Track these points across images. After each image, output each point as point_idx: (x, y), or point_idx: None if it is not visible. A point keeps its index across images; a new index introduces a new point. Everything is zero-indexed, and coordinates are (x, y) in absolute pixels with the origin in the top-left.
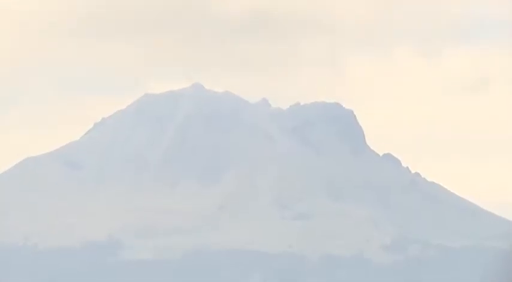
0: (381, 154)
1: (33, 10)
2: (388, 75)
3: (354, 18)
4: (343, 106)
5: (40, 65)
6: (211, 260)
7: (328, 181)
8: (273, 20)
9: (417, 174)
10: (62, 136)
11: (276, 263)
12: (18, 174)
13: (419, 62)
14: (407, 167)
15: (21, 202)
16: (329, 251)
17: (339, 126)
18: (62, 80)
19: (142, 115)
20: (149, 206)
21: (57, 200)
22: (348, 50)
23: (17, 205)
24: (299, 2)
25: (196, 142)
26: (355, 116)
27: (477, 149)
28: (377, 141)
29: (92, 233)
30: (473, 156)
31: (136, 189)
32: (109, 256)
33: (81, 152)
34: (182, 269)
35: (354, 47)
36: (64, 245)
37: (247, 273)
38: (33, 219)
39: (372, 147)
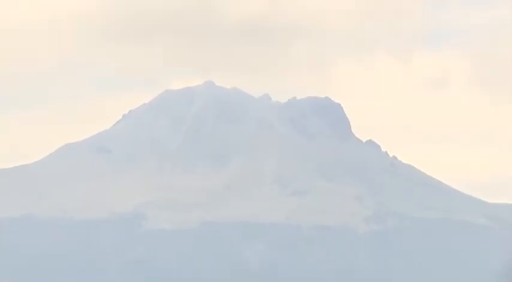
0: (364, 140)
1: (72, 19)
2: (369, 74)
3: (340, 26)
4: (332, 100)
5: (78, 65)
6: (221, 230)
7: (319, 163)
8: (272, 28)
9: (394, 157)
10: (95, 125)
11: (276, 232)
12: (59, 158)
13: (394, 63)
14: (386, 152)
15: (61, 181)
16: (320, 222)
17: (328, 117)
18: (96, 78)
19: (163, 108)
20: (169, 184)
21: (91, 179)
22: (335, 53)
23: (58, 184)
24: (292, 12)
25: (209, 131)
26: (342, 108)
27: (443, 135)
28: (361, 130)
29: (120, 207)
30: (441, 142)
31: (158, 170)
32: (135, 227)
33: (111, 138)
34: (197, 237)
35: (340, 50)
36: (96, 217)
37: (252, 240)
38: (71, 196)
39: (356, 135)
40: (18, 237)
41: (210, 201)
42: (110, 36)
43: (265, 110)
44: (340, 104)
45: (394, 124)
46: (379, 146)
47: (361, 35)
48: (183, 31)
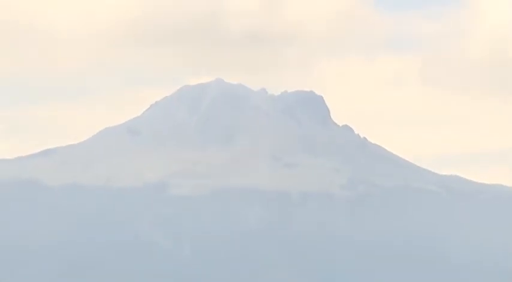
0: (340, 125)
1: (110, 28)
2: (344, 72)
3: (320, 34)
4: (315, 93)
5: (115, 64)
6: (228, 195)
7: (305, 143)
8: (267, 36)
9: (365, 138)
10: (128, 113)
11: (270, 197)
12: (100, 139)
13: (363, 63)
14: (358, 134)
15: (101, 157)
16: (305, 189)
17: (312, 106)
18: (129, 75)
19: (181, 99)
20: (187, 159)
21: (125, 155)
22: (317, 55)
23: (99, 159)
24: (282, 24)
25: (218, 117)
26: (323, 99)
27: (402, 120)
28: (338, 116)
29: (148, 177)
30: (400, 125)
31: (178, 148)
32: (161, 192)
33: (141, 123)
34: (210, 201)
35: (321, 53)
36: (130, 185)
37: (251, 204)
38: (109, 168)
39: (334, 121)
40: (68, 202)
41: (220, 172)
42: (140, 41)
43: (263, 101)
44: (322, 96)
45: (364, 112)
46: (353, 129)
47: (337, 41)
48: (197, 38)
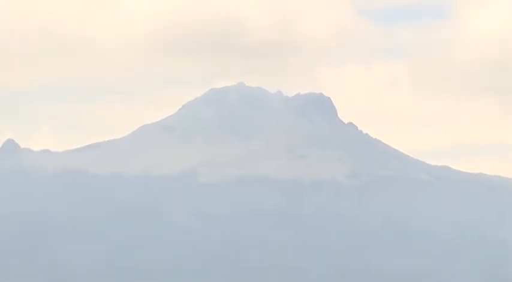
0: (346, 122)
1: (148, 38)
2: (348, 77)
3: (325, 44)
4: (324, 94)
5: (153, 69)
6: (249, 182)
7: (315, 138)
8: (279, 46)
9: (367, 134)
10: (164, 111)
11: (284, 185)
12: (139, 134)
13: (363, 69)
14: (361, 130)
15: (140, 149)
16: (315, 178)
17: (322, 106)
18: (165, 79)
19: (209, 100)
20: (214, 151)
21: (161, 148)
22: (325, 63)
23: (138, 151)
24: (293, 36)
25: (240, 115)
26: (331, 100)
27: (398, 118)
28: (343, 115)
29: (181, 166)
30: (397, 123)
31: (206, 142)
32: (192, 180)
33: (175, 121)
34: (234, 187)
35: (327, 60)
36: (165, 173)
37: (268, 189)
38: (147, 159)
39: (340, 118)
40: (111, 188)
41: (241, 162)
42: (173, 51)
43: (278, 101)
44: (330, 98)
45: (366, 111)
46: (356, 126)
47: (340, 50)
48: (223, 48)
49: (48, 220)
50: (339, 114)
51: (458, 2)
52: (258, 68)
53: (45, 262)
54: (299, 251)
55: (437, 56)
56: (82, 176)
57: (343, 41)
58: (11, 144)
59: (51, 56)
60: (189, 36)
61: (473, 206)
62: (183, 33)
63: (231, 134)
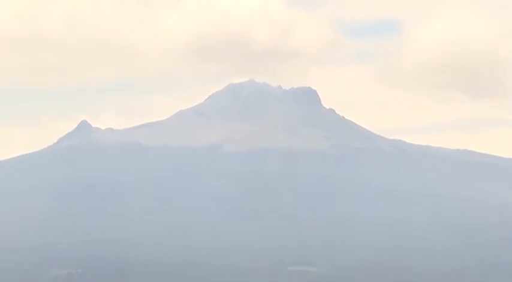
0: (327, 108)
1: (182, 46)
2: (329, 75)
3: (312, 51)
4: (312, 88)
5: (188, 71)
6: (258, 152)
7: (305, 120)
8: (279, 51)
9: (343, 117)
10: (195, 100)
11: (284, 153)
12: (176, 118)
13: (340, 70)
14: (339, 114)
15: (178, 128)
16: (305, 148)
17: (310, 97)
18: (196, 77)
19: (229, 92)
20: (233, 130)
21: (194, 127)
22: (313, 64)
23: (177, 130)
24: (289, 44)
25: (251, 103)
26: (317, 92)
27: (368, 105)
28: (326, 103)
29: (208, 142)
30: (367, 108)
31: (227, 124)
32: (216, 151)
33: (203, 107)
34: (248, 157)
35: (316, 62)
36: (197, 146)
37: (272, 157)
38: (184, 136)
39: (324, 105)
40: (157, 157)
41: (253, 138)
42: (199, 54)
43: (279, 93)
44: (315, 90)
45: (342, 100)
46: (335, 111)
47: (323, 56)
48: (238, 53)
49: (111, 181)
50: (322, 103)
51: (408, 19)
52: (264, 69)
53: (111, 210)
54: (294, 201)
55: (394, 60)
56: (136, 148)
57: (326, 49)
58: (84, 124)
59: (110, 59)
60: (212, 45)
61: (422, 169)
62: (208, 43)
63: (244, 117)
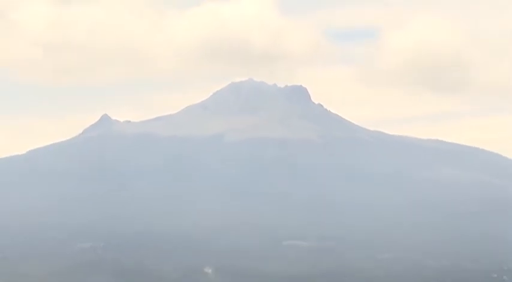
0: (316, 103)
1: (193, 50)
2: (316, 75)
3: (302, 53)
4: (303, 86)
5: (191, 70)
6: (256, 141)
7: (297, 114)
8: (273, 54)
9: (329, 111)
10: (202, 96)
11: (279, 142)
12: (185, 112)
13: (326, 70)
14: (326, 108)
15: (187, 120)
16: (297, 137)
17: (301, 93)
18: (203, 76)
19: (231, 90)
20: (234, 122)
21: (199, 120)
22: (304, 65)
23: (185, 122)
24: (282, 47)
25: (250, 99)
26: (307, 89)
27: (351, 100)
28: (315, 99)
29: (213, 132)
30: (349, 103)
31: (228, 116)
32: (220, 140)
33: (208, 103)
34: (247, 144)
35: (304, 64)
36: (203, 136)
37: (269, 145)
38: (191, 127)
39: (313, 101)
40: (169, 145)
41: (251, 129)
42: (207, 57)
43: (274, 91)
44: (306, 88)
45: (329, 96)
46: (323, 105)
47: (312, 58)
48: (238, 55)
49: (129, 166)
50: (312, 99)
51: (385, 27)
52: (261, 70)
53: (129, 191)
54: (287, 183)
55: (373, 61)
56: (150, 138)
57: (314, 52)
58: (105, 117)
59: (128, 61)
60: (216, 49)
61: (398, 156)
62: (213, 47)
63: (244, 111)
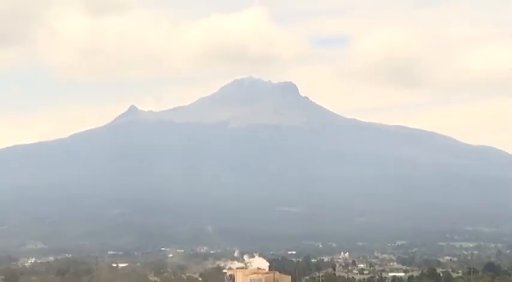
0: (303, 96)
1: (202, 52)
2: (303, 74)
3: (292, 56)
4: (292, 82)
5: (199, 70)
6: (254, 127)
7: (288, 106)
8: (268, 56)
9: (315, 102)
10: (210, 91)
11: (273, 128)
12: (197, 104)
13: (311, 69)
14: (312, 100)
15: (198, 111)
16: (288, 125)
17: (291, 89)
18: (212, 74)
19: (234, 86)
20: (236, 111)
21: (208, 111)
22: (296, 67)
23: (198, 112)
24: (274, 51)
25: (251, 93)
26: (296, 85)
27: (332, 93)
28: (302, 93)
29: (218, 119)
30: (331, 96)
31: (232, 107)
32: (224, 126)
33: (216, 96)
34: (247, 130)
35: (292, 64)
36: (210, 123)
37: (264, 130)
38: (201, 115)
39: (301, 95)
40: (183, 132)
41: (250, 117)
42: (214, 59)
43: (270, 86)
44: (295, 84)
45: (314, 90)
46: (309, 98)
47: (300, 60)
48: (240, 57)
49: (152, 148)
50: (300, 92)
51: (357, 34)
52: (258, 69)
53: (152, 168)
54: (280, 162)
55: (348, 62)
56: (169, 125)
57: (301, 55)
58: (133, 107)
59: (151, 62)
60: (222, 52)
61: (370, 139)
62: (219, 51)
63: (244, 102)
